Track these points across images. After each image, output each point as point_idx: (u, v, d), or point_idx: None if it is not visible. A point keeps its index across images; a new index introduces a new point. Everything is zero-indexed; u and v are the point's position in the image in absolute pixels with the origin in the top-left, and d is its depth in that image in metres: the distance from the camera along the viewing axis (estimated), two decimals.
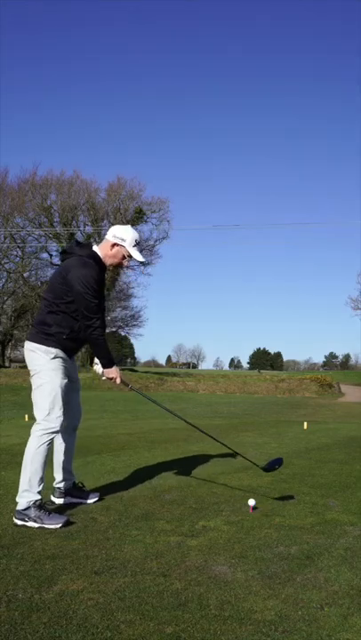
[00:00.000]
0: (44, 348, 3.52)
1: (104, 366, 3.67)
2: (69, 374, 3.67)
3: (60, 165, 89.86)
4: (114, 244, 3.65)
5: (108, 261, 3.69)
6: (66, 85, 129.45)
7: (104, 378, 3.72)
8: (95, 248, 3.69)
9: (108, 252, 3.66)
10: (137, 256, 3.69)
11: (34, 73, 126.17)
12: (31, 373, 3.57)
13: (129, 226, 3.80)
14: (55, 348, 3.53)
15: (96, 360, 3.73)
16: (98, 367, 3.75)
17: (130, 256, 3.70)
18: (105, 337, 3.64)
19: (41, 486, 3.43)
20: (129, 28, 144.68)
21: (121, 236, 3.65)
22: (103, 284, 3.69)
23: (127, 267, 3.90)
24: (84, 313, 3.48)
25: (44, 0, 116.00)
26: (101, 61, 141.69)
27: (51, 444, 3.49)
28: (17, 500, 3.43)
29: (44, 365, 3.51)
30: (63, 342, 3.55)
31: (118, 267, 3.80)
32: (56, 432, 3.49)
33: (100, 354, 3.63)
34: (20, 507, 3.39)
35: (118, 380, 3.69)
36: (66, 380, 3.58)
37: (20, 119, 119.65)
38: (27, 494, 3.39)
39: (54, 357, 3.53)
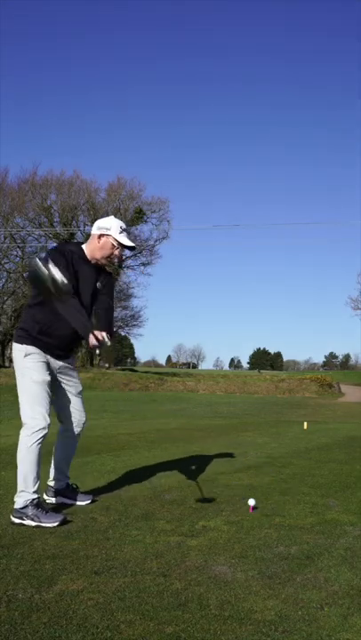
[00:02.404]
0: (18, 346, 3.50)
1: (85, 337, 3.42)
2: (55, 372, 3.59)
3: (60, 165, 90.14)
4: (100, 236, 3.58)
5: (97, 255, 3.59)
6: (66, 85, 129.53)
7: (90, 346, 3.42)
8: (83, 246, 3.63)
9: (96, 245, 3.58)
10: (124, 241, 3.58)
11: (34, 73, 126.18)
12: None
13: (112, 216, 3.73)
14: (27, 344, 3.47)
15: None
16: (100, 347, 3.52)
17: (119, 244, 3.58)
18: (78, 317, 3.39)
19: (36, 485, 3.43)
20: (129, 28, 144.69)
21: (105, 225, 3.57)
22: (84, 277, 3.55)
23: (120, 258, 3.72)
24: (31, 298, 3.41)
25: (44, 1, 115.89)
26: (101, 61, 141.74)
27: (42, 442, 3.43)
28: (14, 499, 3.45)
29: (18, 364, 3.49)
30: (36, 338, 3.47)
31: (111, 259, 3.63)
32: (43, 429, 3.41)
33: (77, 317, 3.38)
34: (17, 505, 3.41)
35: (107, 340, 3.43)
36: (44, 377, 3.46)
37: (21, 119, 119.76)
38: (23, 494, 3.40)
39: (26, 355, 3.46)
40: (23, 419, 3.46)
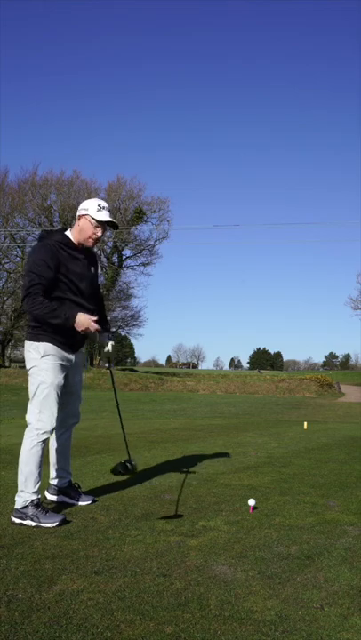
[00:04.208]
0: (34, 344, 3.45)
1: (64, 326, 3.38)
2: (68, 371, 3.59)
3: (60, 165, 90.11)
4: (79, 217, 3.56)
5: (80, 238, 3.55)
6: (66, 86, 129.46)
7: (81, 330, 3.44)
8: (68, 232, 3.60)
9: (77, 228, 3.56)
10: (101, 217, 3.51)
11: (34, 73, 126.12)
12: (28, 373, 3.53)
13: (93, 198, 3.70)
14: (45, 342, 3.43)
15: (102, 339, 3.74)
16: (109, 346, 3.73)
17: (97, 221, 3.52)
18: (52, 312, 3.33)
19: (37, 486, 3.43)
20: (129, 28, 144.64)
21: (84, 206, 3.56)
22: (78, 265, 3.53)
23: (101, 237, 3.62)
24: (23, 297, 3.34)
25: (44, 2, 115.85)
26: (102, 61, 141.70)
27: (44, 444, 3.45)
28: (15, 499, 3.45)
29: (35, 364, 3.45)
30: (54, 333, 3.43)
31: (93, 240, 3.58)
32: (48, 433, 3.44)
33: (53, 321, 3.35)
34: (17, 505, 3.41)
35: (93, 326, 3.45)
36: (60, 379, 3.48)
37: (21, 120, 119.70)
38: (23, 494, 3.41)
39: (45, 355, 3.43)
40: (29, 419, 3.44)
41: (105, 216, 3.55)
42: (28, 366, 3.50)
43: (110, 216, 3.60)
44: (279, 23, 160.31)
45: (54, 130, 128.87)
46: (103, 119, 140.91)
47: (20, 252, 42.43)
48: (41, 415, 3.41)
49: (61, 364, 3.50)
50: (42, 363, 3.43)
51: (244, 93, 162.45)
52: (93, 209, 3.53)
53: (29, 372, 3.49)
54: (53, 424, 3.45)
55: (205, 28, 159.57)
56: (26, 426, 3.48)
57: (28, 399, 3.53)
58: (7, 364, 43.83)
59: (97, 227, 3.56)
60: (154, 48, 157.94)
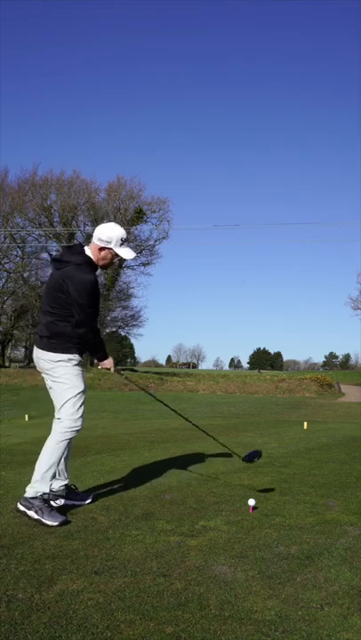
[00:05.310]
0: (65, 356, 3.63)
1: (100, 359, 3.89)
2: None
3: (60, 165, 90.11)
4: (101, 248, 3.68)
5: (100, 263, 3.76)
6: (66, 86, 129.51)
7: (100, 367, 3.97)
8: (87, 252, 3.70)
9: (98, 256, 3.71)
10: (125, 255, 3.75)
11: (35, 73, 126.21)
12: (53, 379, 3.65)
13: (112, 224, 3.79)
14: (75, 354, 3.66)
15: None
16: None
17: (120, 257, 3.79)
18: (99, 338, 3.80)
19: (52, 481, 3.56)
20: (129, 28, 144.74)
21: (106, 238, 3.67)
22: (97, 286, 3.75)
23: (119, 262, 4.03)
24: (83, 323, 3.60)
25: (44, 2, 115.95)
26: (102, 61, 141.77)
27: (70, 442, 3.63)
28: (26, 488, 3.53)
29: (69, 371, 3.64)
30: (79, 347, 3.67)
31: (111, 265, 3.90)
32: (78, 431, 3.64)
33: (96, 352, 3.82)
34: (27, 494, 3.49)
35: (113, 369, 3.95)
36: (85, 386, 3.72)
37: (21, 120, 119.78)
38: (37, 485, 3.50)
39: (77, 364, 3.67)
40: (63, 415, 3.61)
41: (129, 254, 3.79)
42: (56, 374, 3.64)
43: (133, 250, 3.89)
44: (279, 23, 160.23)
45: (54, 130, 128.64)
46: (103, 119, 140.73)
47: (19, 252, 42.47)
48: (75, 415, 3.61)
49: (83, 372, 3.76)
50: (74, 370, 3.66)
51: (244, 93, 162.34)
52: (116, 243, 3.69)
53: (59, 379, 3.63)
54: (82, 425, 3.67)
55: (205, 27, 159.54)
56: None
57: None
58: (7, 364, 43.82)
59: (117, 257, 3.79)
60: (154, 48, 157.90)
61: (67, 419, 3.60)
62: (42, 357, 3.67)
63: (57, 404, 3.66)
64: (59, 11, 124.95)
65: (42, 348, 3.66)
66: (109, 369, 3.95)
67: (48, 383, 3.72)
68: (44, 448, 3.58)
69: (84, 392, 3.68)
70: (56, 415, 3.66)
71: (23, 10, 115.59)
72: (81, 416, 3.65)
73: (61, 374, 3.65)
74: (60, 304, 3.58)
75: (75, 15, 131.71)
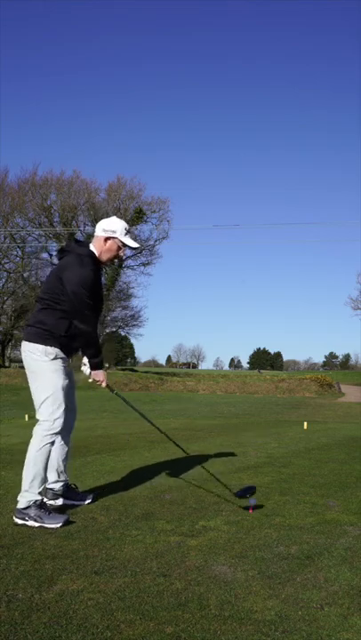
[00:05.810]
0: (42, 347, 3.48)
1: (93, 367, 3.63)
2: (69, 374, 3.66)
3: (60, 165, 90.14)
4: (106, 239, 3.65)
5: (104, 257, 3.68)
6: (66, 86, 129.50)
7: (91, 380, 3.69)
8: (92, 248, 3.68)
9: (103, 247, 3.66)
10: (131, 243, 3.71)
11: (35, 73, 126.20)
12: (29, 374, 3.53)
13: (114, 217, 3.80)
14: (54, 347, 3.49)
15: (84, 360, 3.68)
16: (86, 368, 3.69)
17: (124, 245, 3.71)
18: (97, 338, 3.62)
19: (42, 487, 3.45)
20: (129, 28, 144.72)
21: (111, 228, 3.65)
22: (99, 282, 3.69)
23: (123, 257, 3.91)
24: (76, 313, 3.46)
25: (44, 2, 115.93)
26: (102, 61, 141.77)
27: (52, 445, 3.49)
28: (18, 499, 3.44)
29: (44, 366, 3.48)
30: (61, 340, 3.51)
31: (114, 259, 3.79)
32: (58, 433, 3.49)
33: (91, 354, 3.60)
34: (20, 505, 3.40)
35: (104, 384, 3.68)
36: (67, 381, 3.56)
37: (21, 120, 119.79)
38: (27, 494, 3.40)
39: (54, 358, 3.50)
40: (42, 416, 3.46)
41: (133, 242, 3.75)
42: (33, 368, 3.51)
43: (133, 238, 3.81)
44: (279, 23, 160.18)
45: (54, 130, 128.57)
46: (103, 119, 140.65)
47: (19, 252, 42.48)
48: (52, 416, 3.45)
49: (65, 368, 3.57)
50: (52, 365, 3.48)
51: (244, 93, 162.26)
52: (121, 232, 3.67)
53: (37, 374, 3.50)
54: (62, 425, 3.49)
55: (205, 27, 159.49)
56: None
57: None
58: (7, 364, 43.82)
59: (122, 249, 3.73)
60: (154, 48, 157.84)
61: (44, 420, 3.45)
62: (23, 348, 3.57)
63: (35, 403, 3.51)
64: (59, 11, 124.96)
65: (23, 338, 3.59)
66: (100, 383, 3.67)
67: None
68: (26, 457, 3.44)
69: (63, 389, 3.49)
70: (36, 416, 3.51)
71: (23, 10, 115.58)
72: (59, 417, 3.45)
73: (35, 370, 3.49)
74: (51, 291, 3.52)
75: (75, 15, 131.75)
